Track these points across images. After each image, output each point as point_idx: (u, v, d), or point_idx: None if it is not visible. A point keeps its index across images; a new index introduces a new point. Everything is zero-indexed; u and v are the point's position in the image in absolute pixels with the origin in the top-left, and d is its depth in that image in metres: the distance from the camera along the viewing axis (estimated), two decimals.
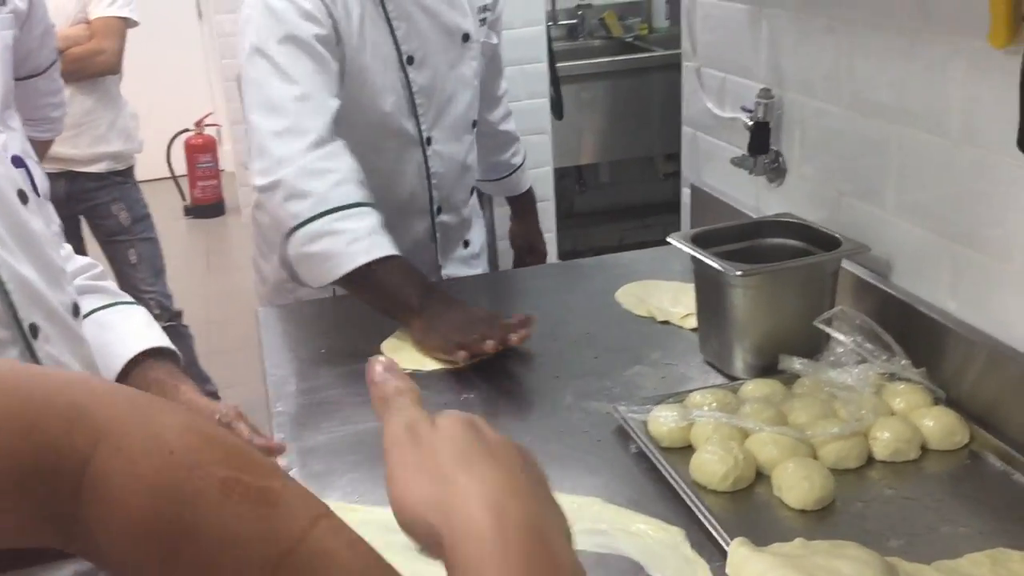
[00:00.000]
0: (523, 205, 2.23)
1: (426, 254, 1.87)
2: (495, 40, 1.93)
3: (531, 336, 1.49)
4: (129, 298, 1.28)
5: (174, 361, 1.22)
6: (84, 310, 1.15)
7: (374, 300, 1.59)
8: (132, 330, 1.21)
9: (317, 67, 1.61)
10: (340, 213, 1.55)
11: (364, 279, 1.54)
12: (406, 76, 1.74)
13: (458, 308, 1.54)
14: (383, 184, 1.74)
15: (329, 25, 1.63)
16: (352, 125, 1.68)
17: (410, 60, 1.73)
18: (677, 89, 2.05)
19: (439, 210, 1.86)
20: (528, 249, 2.21)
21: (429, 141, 1.80)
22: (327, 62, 1.63)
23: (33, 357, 0.99)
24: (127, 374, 1.16)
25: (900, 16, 1.33)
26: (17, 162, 1.07)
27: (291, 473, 1.25)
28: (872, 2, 1.38)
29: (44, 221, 1.09)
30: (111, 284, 1.28)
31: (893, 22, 1.34)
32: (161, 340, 1.20)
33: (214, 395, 3.27)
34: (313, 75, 1.61)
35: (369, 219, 1.57)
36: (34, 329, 1.00)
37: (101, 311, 1.22)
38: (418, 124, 1.77)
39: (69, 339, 1.05)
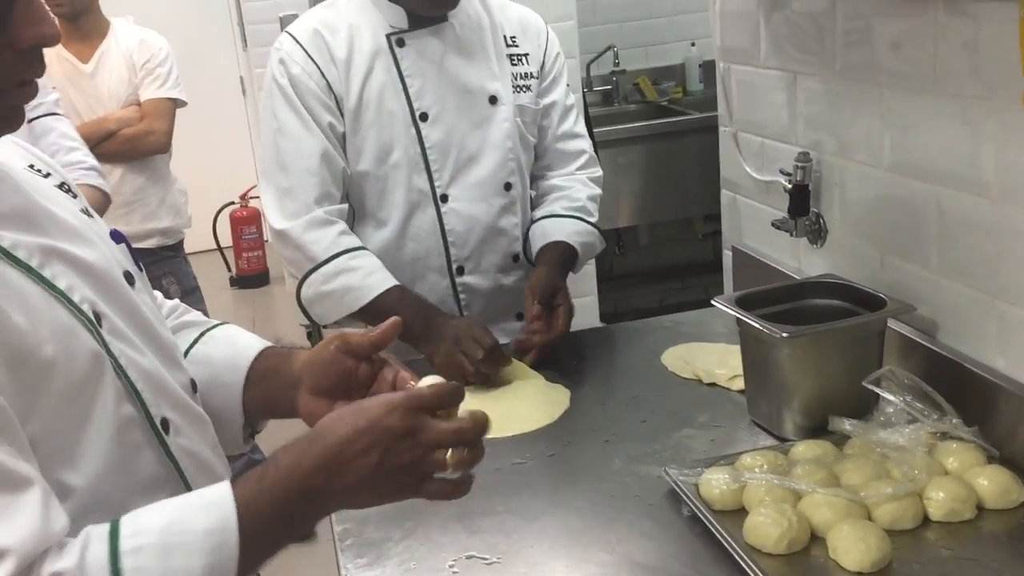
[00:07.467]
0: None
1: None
2: (539, 105, 1.90)
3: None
4: (216, 320, 1.26)
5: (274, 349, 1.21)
6: (186, 343, 1.16)
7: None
8: (240, 339, 1.20)
9: (319, 130, 1.75)
10: (351, 253, 1.75)
11: (374, 307, 1.72)
12: (418, 132, 1.78)
13: (450, 326, 1.69)
14: (391, 237, 1.82)
15: (324, 87, 1.75)
16: (358, 176, 1.79)
17: (423, 116, 1.77)
18: (713, 151, 2.08)
19: (460, 270, 1.86)
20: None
21: (445, 199, 1.81)
22: (328, 124, 1.76)
23: (168, 454, 0.97)
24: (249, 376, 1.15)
25: (936, 79, 1.35)
26: (117, 237, 1.05)
27: (348, 543, 1.26)
28: (908, 66, 1.41)
29: (149, 295, 1.07)
30: (197, 314, 1.25)
31: (929, 85, 1.37)
32: (263, 341, 1.21)
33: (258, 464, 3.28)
34: (315, 137, 1.75)
35: (372, 257, 1.77)
36: (165, 424, 0.97)
37: (205, 335, 1.20)
38: (431, 180, 1.80)
39: (195, 422, 1.03)
